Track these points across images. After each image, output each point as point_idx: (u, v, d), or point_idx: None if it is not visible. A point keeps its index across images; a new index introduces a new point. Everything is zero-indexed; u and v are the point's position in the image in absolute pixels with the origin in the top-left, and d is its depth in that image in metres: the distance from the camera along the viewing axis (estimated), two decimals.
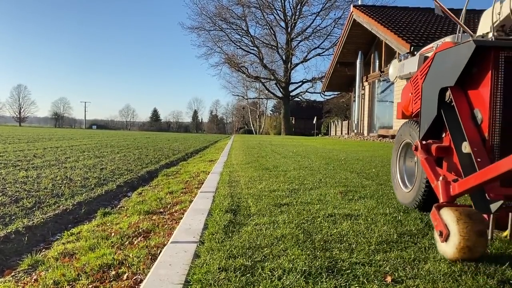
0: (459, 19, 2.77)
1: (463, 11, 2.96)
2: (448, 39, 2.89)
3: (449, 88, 2.17)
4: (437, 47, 2.69)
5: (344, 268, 1.64)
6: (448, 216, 1.78)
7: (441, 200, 1.98)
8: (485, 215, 1.88)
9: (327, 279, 1.54)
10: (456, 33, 2.84)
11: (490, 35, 2.44)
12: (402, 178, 3.10)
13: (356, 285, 1.49)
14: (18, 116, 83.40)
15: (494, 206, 1.81)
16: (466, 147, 1.99)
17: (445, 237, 1.78)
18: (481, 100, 2.01)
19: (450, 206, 1.83)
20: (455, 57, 2.12)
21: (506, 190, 1.80)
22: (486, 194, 1.82)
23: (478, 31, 2.69)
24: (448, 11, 2.99)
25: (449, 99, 2.19)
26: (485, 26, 2.61)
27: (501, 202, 1.79)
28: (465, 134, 2.00)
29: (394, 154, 3.22)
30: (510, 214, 1.99)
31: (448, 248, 1.78)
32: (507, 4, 2.37)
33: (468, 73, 2.07)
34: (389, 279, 1.53)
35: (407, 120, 3.03)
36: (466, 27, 2.64)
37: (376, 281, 1.51)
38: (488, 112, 1.95)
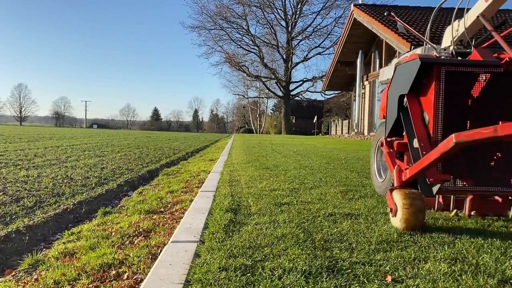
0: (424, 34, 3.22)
1: (428, 27, 3.43)
2: (418, 50, 3.29)
3: (405, 95, 2.54)
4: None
5: (344, 268, 1.64)
6: (397, 195, 2.22)
7: (395, 185, 2.40)
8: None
9: (327, 278, 1.54)
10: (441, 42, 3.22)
11: (451, 48, 2.86)
12: (378, 170, 3.49)
13: (357, 284, 1.49)
14: (19, 115, 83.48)
15: (434, 189, 2.22)
16: (415, 143, 2.36)
17: (394, 212, 2.25)
18: (428, 104, 2.39)
19: (400, 189, 2.26)
20: (408, 70, 2.49)
21: (443, 176, 2.21)
22: (427, 179, 2.22)
23: (442, 44, 3.12)
24: (411, 29, 3.49)
25: (406, 104, 2.55)
26: (447, 40, 3.06)
27: (439, 185, 2.19)
28: (415, 132, 2.38)
29: (372, 149, 3.62)
30: (452, 196, 2.46)
31: (396, 219, 2.24)
32: (462, 23, 2.87)
33: (420, 83, 2.45)
34: (389, 278, 1.53)
35: (383, 120, 3.35)
36: (430, 42, 3.08)
37: (376, 281, 1.51)
38: (433, 114, 2.34)
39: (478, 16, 2.78)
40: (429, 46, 3.04)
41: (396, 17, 3.36)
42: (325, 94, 35.84)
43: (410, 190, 2.22)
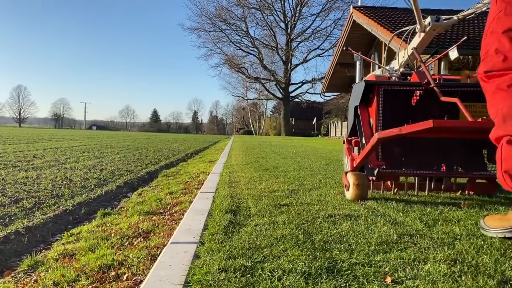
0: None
1: (385, 53, 4.65)
2: (377, 72, 4.34)
3: (358, 106, 3.38)
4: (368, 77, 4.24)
5: (344, 269, 1.64)
6: (349, 175, 3.12)
7: (349, 169, 3.33)
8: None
9: (327, 279, 1.54)
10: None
11: (400, 70, 3.86)
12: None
13: (356, 285, 1.49)
14: (18, 117, 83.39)
15: (375, 172, 3.09)
16: (364, 140, 3.18)
17: (347, 188, 3.16)
18: (372, 113, 3.25)
19: (351, 172, 3.16)
20: (359, 89, 3.37)
21: (379, 162, 3.09)
22: (369, 165, 3.09)
23: (395, 66, 4.08)
24: (366, 58, 4.62)
25: (359, 112, 3.38)
26: (397, 64, 4.12)
27: (377, 169, 3.06)
28: (363, 133, 3.21)
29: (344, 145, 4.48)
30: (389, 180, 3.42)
31: (349, 193, 3.14)
32: (406, 52, 3.91)
33: (368, 97, 3.34)
34: (389, 279, 1.53)
35: None
36: (384, 66, 4.09)
37: (376, 282, 1.51)
38: (375, 119, 3.20)
39: (412, 49, 3.67)
40: (388, 67, 4.05)
41: (352, 50, 4.32)
42: (325, 96, 35.89)
43: (358, 173, 3.13)
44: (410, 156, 3.32)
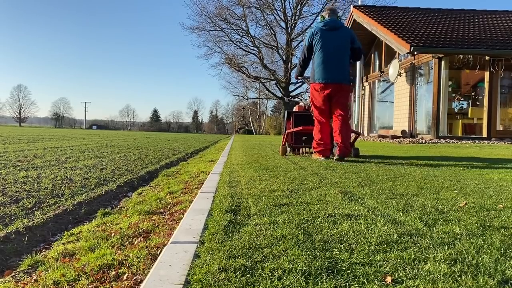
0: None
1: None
2: (301, 103, 7.82)
3: (286, 120, 7.48)
4: (297, 105, 7.97)
5: (344, 268, 1.64)
6: (280, 147, 7.40)
7: (282, 145, 7.32)
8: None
9: (327, 279, 1.54)
10: None
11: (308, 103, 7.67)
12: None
13: (356, 285, 1.49)
14: (18, 116, 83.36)
15: (291, 145, 7.53)
16: (286, 132, 7.37)
17: (279, 151, 7.43)
18: (291, 122, 7.39)
19: (281, 146, 7.31)
20: (285, 113, 7.55)
21: (291, 141, 7.47)
22: (287, 142, 7.42)
23: (308, 99, 7.94)
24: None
25: (286, 122, 7.50)
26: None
27: (291, 144, 7.49)
28: (286, 129, 7.41)
29: None
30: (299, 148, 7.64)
31: (279, 153, 7.41)
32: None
33: (291, 116, 7.45)
34: (389, 279, 1.53)
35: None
36: (301, 100, 8.46)
37: (376, 281, 1.51)
38: (291, 125, 7.35)
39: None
40: (304, 100, 8.31)
41: (303, 78, 7.04)
42: None
43: (282, 146, 7.21)
44: (304, 140, 7.24)
